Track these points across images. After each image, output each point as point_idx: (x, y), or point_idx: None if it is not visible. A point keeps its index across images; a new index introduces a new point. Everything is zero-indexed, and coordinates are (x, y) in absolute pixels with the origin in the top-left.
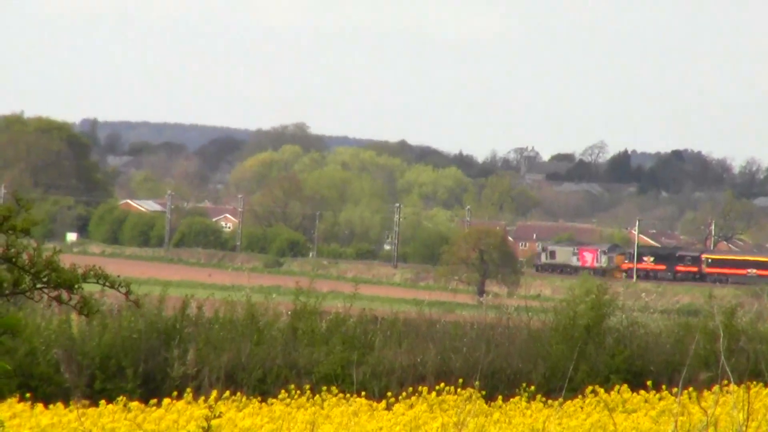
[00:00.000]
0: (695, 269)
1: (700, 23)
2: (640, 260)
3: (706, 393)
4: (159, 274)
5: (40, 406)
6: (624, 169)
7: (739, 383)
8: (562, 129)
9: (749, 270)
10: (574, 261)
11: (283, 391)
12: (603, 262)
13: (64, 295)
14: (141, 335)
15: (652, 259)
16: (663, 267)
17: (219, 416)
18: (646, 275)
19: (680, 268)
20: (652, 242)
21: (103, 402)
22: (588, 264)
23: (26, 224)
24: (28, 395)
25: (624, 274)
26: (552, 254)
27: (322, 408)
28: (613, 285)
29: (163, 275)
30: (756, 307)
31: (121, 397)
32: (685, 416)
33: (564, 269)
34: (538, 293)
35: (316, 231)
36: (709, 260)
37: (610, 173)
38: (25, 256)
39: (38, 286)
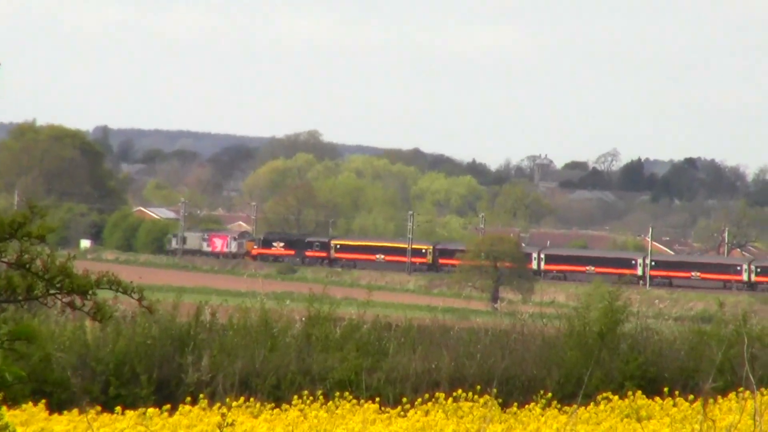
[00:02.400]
0: (325, 254)
1: (712, 31)
2: (270, 245)
3: (720, 400)
4: (173, 280)
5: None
6: (637, 177)
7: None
8: (575, 137)
9: (378, 255)
10: (205, 247)
11: (296, 397)
12: (233, 247)
13: (78, 301)
14: (155, 341)
15: (282, 244)
16: (293, 252)
17: (231, 425)
18: (275, 259)
19: (309, 253)
20: (666, 249)
21: (118, 408)
22: (218, 249)
23: (42, 231)
24: (43, 401)
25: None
26: (183, 240)
27: (332, 413)
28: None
29: (177, 282)
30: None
31: (140, 408)
32: (701, 424)
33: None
34: (552, 300)
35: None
36: (338, 246)
37: (623, 181)
38: (38, 263)
39: (52, 292)
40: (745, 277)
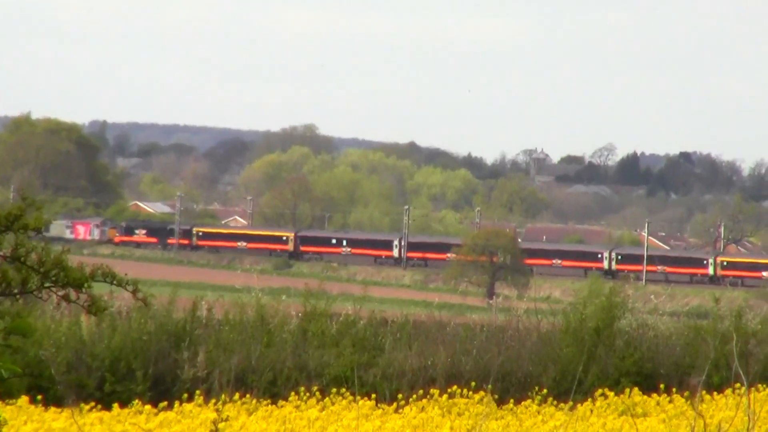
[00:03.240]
0: (187, 242)
1: (708, 25)
2: (132, 233)
3: (716, 396)
4: (168, 275)
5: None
6: (633, 171)
7: (749, 386)
8: (572, 131)
9: (239, 242)
10: (68, 234)
11: (293, 393)
12: (95, 235)
13: (72, 294)
14: (151, 337)
15: (144, 232)
16: (155, 240)
17: (226, 420)
18: (137, 246)
19: (172, 241)
20: (662, 244)
21: (115, 405)
22: (81, 237)
23: (37, 223)
24: (39, 397)
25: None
26: (47, 227)
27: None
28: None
29: (172, 277)
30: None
31: (135, 401)
32: (694, 420)
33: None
34: (548, 295)
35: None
36: (200, 233)
37: (619, 175)
38: (34, 256)
39: (46, 285)
40: (605, 264)
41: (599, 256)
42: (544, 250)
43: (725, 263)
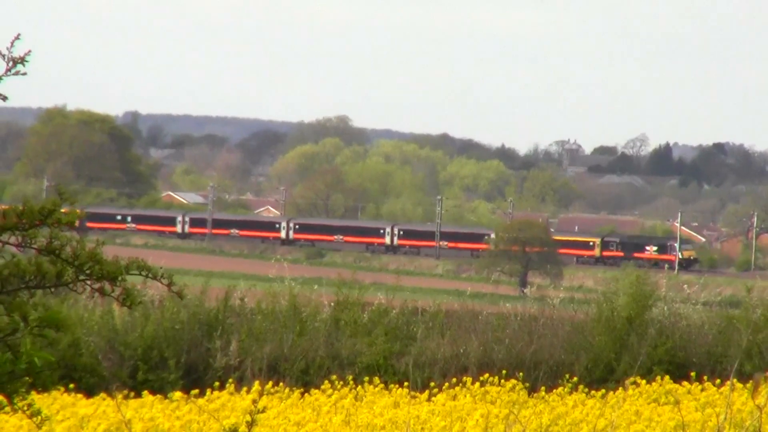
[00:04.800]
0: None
1: (742, 14)
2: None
3: (749, 385)
4: (201, 265)
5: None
6: (666, 161)
7: None
8: (604, 122)
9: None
10: None
11: (325, 381)
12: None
13: (107, 287)
14: (183, 326)
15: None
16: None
17: (263, 411)
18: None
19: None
20: (695, 234)
21: (145, 393)
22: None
23: (71, 218)
24: (71, 386)
25: None
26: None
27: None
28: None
29: (205, 267)
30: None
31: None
32: (729, 408)
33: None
34: (580, 284)
35: None
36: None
37: (652, 166)
38: (68, 249)
39: (81, 278)
40: (387, 240)
41: (381, 231)
42: (322, 226)
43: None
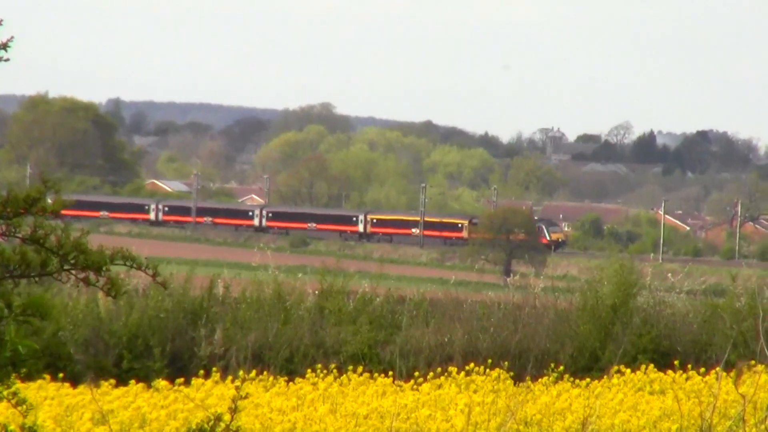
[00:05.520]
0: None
1: (725, 2)
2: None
3: (733, 374)
4: (185, 253)
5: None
6: (649, 149)
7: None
8: (588, 109)
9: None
10: None
11: (309, 370)
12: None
13: (92, 277)
14: (168, 315)
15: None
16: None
17: (245, 397)
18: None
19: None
20: (679, 223)
21: (132, 382)
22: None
23: (57, 207)
24: (60, 375)
25: None
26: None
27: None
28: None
29: (189, 255)
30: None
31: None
32: (713, 397)
33: None
34: (564, 273)
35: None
36: (374, 220)
37: (636, 154)
38: (53, 238)
39: (66, 267)
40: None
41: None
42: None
43: (374, 221)
